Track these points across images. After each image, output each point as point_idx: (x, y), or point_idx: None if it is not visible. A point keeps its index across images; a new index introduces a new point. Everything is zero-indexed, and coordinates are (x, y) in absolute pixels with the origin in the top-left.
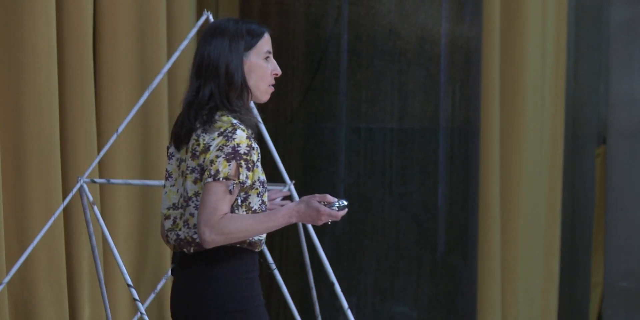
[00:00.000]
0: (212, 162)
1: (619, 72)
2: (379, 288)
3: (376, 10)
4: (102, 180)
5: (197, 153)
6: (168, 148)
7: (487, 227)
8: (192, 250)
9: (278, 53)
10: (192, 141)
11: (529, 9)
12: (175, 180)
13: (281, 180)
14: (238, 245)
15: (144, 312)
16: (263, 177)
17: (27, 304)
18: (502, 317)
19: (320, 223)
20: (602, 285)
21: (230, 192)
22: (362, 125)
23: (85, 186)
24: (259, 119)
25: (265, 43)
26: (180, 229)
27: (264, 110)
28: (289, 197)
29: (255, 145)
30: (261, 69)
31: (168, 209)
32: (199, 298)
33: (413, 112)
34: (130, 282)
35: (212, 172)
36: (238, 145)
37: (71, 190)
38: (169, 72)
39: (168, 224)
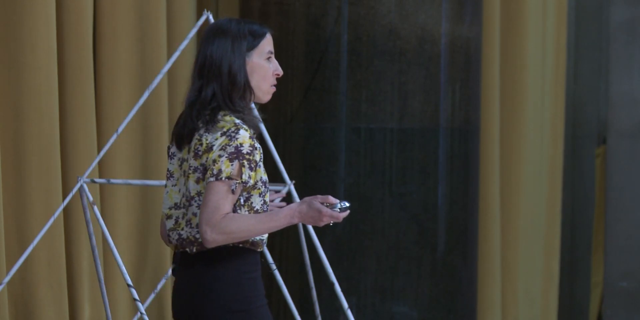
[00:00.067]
0: (214, 161)
1: (619, 72)
2: (379, 288)
3: (376, 10)
4: (102, 180)
5: (200, 153)
6: (169, 148)
7: (487, 227)
8: (194, 250)
9: (278, 53)
10: (194, 141)
11: (529, 9)
12: (177, 180)
13: (281, 181)
14: (240, 245)
15: (144, 312)
16: (265, 177)
17: (27, 304)
18: (502, 317)
19: (321, 224)
20: (602, 285)
21: (233, 191)
22: (362, 125)
23: (85, 186)
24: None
25: (267, 43)
26: (182, 229)
27: (264, 110)
28: (287, 198)
29: (257, 145)
30: (263, 69)
31: (170, 208)
32: (202, 298)
33: (413, 112)
34: (130, 282)
35: (215, 172)
36: (241, 145)
37: (71, 190)
38: (169, 72)
39: (170, 223)
